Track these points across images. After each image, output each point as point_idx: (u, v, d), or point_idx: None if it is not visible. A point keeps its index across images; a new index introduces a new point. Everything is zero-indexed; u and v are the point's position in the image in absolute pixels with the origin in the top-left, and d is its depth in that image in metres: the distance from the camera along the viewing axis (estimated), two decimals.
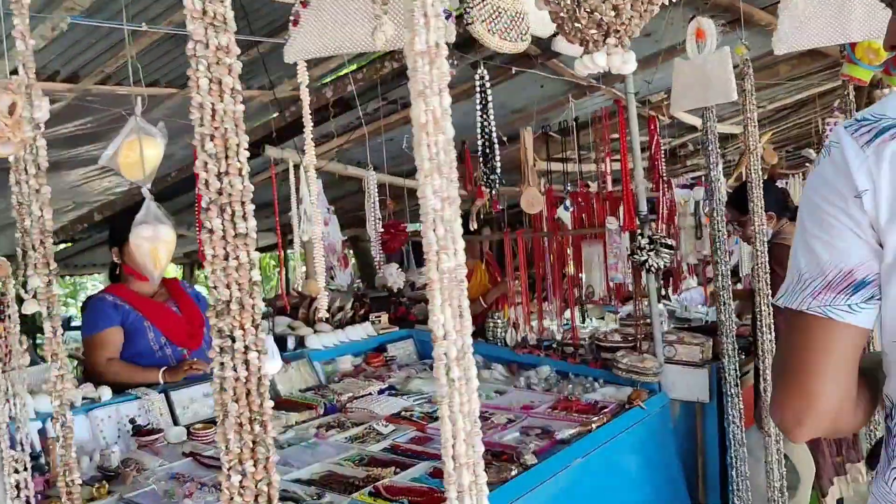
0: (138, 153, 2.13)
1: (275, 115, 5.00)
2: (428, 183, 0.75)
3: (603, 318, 5.28)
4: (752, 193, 3.23)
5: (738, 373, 3.40)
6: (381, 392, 3.68)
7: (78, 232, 6.71)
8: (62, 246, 7.55)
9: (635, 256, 3.67)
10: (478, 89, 2.99)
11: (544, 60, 4.30)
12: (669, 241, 3.68)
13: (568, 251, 4.02)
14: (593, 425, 3.13)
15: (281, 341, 3.94)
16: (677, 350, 3.84)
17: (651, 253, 3.66)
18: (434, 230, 0.74)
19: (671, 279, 5.21)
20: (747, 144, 3.26)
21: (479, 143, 2.94)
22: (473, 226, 3.84)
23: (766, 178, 3.99)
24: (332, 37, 2.31)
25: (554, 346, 4.19)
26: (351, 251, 8.11)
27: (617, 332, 4.04)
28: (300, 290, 4.90)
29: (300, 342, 4.05)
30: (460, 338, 0.82)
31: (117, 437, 2.93)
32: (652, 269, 3.67)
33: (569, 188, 4.06)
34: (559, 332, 4.24)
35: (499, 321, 4.36)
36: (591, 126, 3.95)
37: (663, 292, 5.42)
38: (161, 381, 3.24)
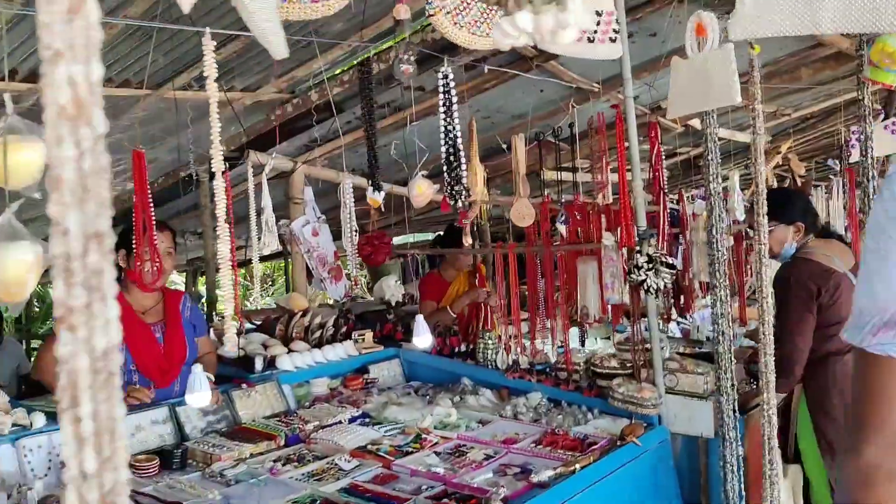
0: (16, 157, 1.87)
1: (261, 118, 4.75)
2: (64, 213, 0.45)
3: (609, 339, 4.94)
4: (758, 207, 2.89)
5: (736, 412, 3.06)
6: (352, 420, 3.39)
7: None
8: None
9: (632, 276, 3.34)
10: (441, 90, 2.70)
11: (541, 62, 4.00)
12: (670, 260, 3.36)
13: (555, 268, 3.71)
14: (577, 465, 2.80)
15: (248, 361, 3.68)
16: (679, 379, 3.50)
17: (650, 272, 3.33)
18: (67, 287, 0.44)
19: (682, 298, 4.86)
20: (754, 154, 2.93)
21: (443, 149, 2.64)
22: (468, 241, 3.55)
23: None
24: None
25: (547, 370, 3.87)
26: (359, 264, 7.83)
27: (615, 358, 3.71)
28: (281, 304, 4.63)
29: (270, 362, 3.77)
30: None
31: (47, 470, 2.67)
32: (651, 289, 3.35)
33: (563, 200, 3.75)
34: (553, 355, 3.92)
35: (490, 342, 4.06)
36: (589, 134, 3.64)
37: (674, 312, 5.07)
38: None
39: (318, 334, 4.12)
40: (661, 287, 3.36)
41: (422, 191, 3.47)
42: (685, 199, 4.65)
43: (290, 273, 8.24)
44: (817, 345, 3.21)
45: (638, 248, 3.39)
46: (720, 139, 6.11)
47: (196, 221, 5.90)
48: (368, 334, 4.24)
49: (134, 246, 2.56)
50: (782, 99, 5.90)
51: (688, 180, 7.41)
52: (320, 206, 6.41)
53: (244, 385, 3.42)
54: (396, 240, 8.08)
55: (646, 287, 3.35)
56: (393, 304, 6.04)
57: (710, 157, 2.91)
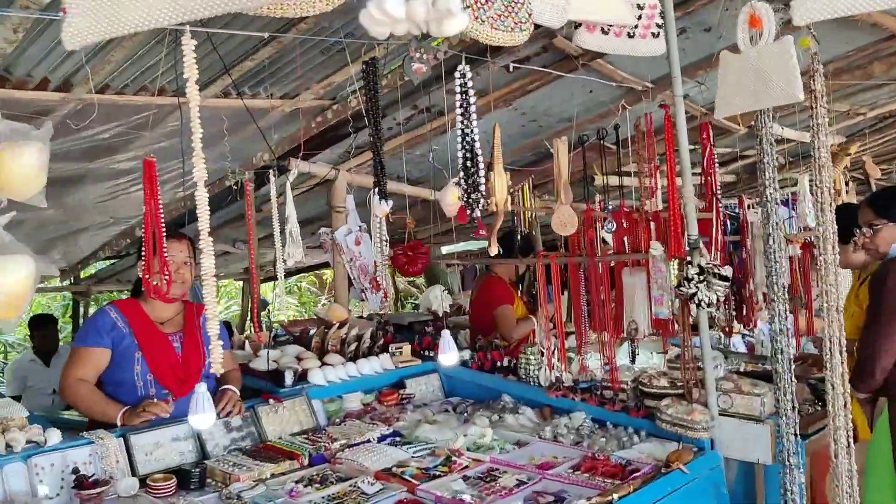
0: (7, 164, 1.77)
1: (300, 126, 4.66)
2: None
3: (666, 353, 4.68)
4: (822, 216, 2.64)
5: (798, 436, 2.79)
6: (382, 438, 3.24)
7: (123, 247, 6.59)
8: (110, 262, 7.48)
9: (682, 289, 3.11)
10: (458, 90, 2.51)
11: (587, 61, 3.79)
12: (723, 271, 3.11)
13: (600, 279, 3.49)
14: (615, 495, 2.59)
15: (278, 375, 3.57)
16: (734, 400, 3.25)
17: (701, 285, 3.10)
18: None
19: (745, 310, 4.56)
20: (815, 157, 2.67)
21: (460, 154, 2.46)
22: (493, 250, 3.36)
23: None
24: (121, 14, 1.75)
25: (593, 388, 3.65)
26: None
27: (664, 376, 3.47)
28: (321, 315, 4.52)
29: (302, 376, 3.66)
30: None
31: (59, 489, 2.60)
32: (702, 303, 3.11)
33: (610, 207, 3.53)
34: (601, 372, 3.70)
35: (532, 357, 3.86)
36: (636, 135, 3.41)
37: (736, 325, 4.77)
38: (119, 423, 2.91)
39: (353, 347, 3.99)
40: (714, 301, 3.12)
41: (455, 199, 3.30)
42: (745, 205, 4.36)
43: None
44: None
45: (688, 258, 3.17)
46: (788, 141, 5.80)
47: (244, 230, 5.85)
48: (406, 347, 4.09)
49: (144, 257, 2.45)
50: (856, 97, 5.52)
51: (753, 186, 7.03)
52: (364, 215, 6.34)
53: (272, 400, 3.31)
54: (445, 249, 7.93)
55: (697, 301, 3.11)
56: (440, 314, 5.90)
57: (765, 161, 2.66)
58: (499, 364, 4.15)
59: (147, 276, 2.45)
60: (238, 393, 3.23)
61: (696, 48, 3.80)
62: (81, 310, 7.81)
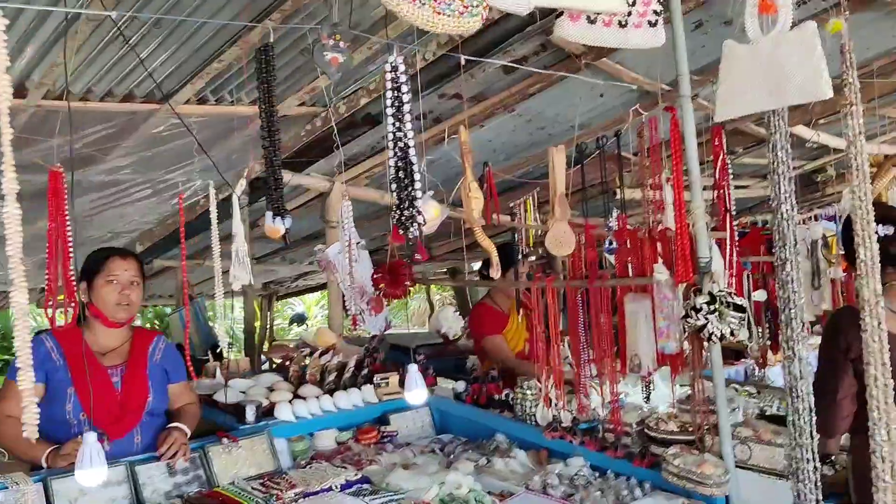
0: None
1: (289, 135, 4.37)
2: None
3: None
4: (861, 234, 2.22)
5: (820, 499, 2.35)
6: (346, 486, 2.90)
7: None
8: None
9: (690, 320, 2.70)
10: (388, 84, 2.15)
11: (591, 60, 3.41)
12: (739, 301, 2.69)
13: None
14: None
15: (239, 410, 3.26)
16: (753, 451, 2.83)
17: (711, 316, 2.69)
18: None
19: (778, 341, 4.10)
20: (852, 165, 2.26)
21: (391, 162, 2.09)
22: (496, 274, 3.02)
23: None
24: None
25: (596, 429, 3.25)
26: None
27: (674, 419, 3.05)
28: (308, 341, 4.21)
29: (268, 411, 3.34)
30: None
31: None
32: (713, 337, 2.69)
33: (612, 224, 3.13)
34: (603, 410, 3.29)
35: (528, 392, 3.47)
36: (639, 143, 3.01)
37: (770, 356, 4.32)
38: (44, 465, 2.62)
39: (332, 377, 3.65)
40: (728, 334, 2.70)
41: (437, 214, 2.96)
42: None
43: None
44: None
45: (698, 284, 2.76)
46: (835, 151, 5.29)
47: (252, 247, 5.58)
48: (393, 378, 3.74)
49: (47, 278, 2.15)
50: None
51: (808, 199, 6.55)
52: (365, 233, 6.02)
53: (226, 439, 2.99)
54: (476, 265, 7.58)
55: (706, 334, 2.70)
56: (451, 337, 5.54)
57: (779, 172, 2.24)
58: (497, 398, 3.78)
59: (48, 302, 2.15)
60: (187, 432, 2.93)
61: (715, 44, 3.39)
62: None
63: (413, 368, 2.89)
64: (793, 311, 2.22)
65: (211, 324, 6.69)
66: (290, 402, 3.39)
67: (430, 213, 2.97)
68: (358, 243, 4.63)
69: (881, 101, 4.74)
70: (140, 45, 3.21)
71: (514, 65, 3.44)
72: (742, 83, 2.25)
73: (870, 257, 2.25)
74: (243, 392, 3.53)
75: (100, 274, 2.87)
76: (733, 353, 4.65)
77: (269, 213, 2.49)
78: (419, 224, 2.04)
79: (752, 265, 4.43)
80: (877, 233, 2.49)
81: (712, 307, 2.70)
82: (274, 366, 4.07)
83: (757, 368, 4.45)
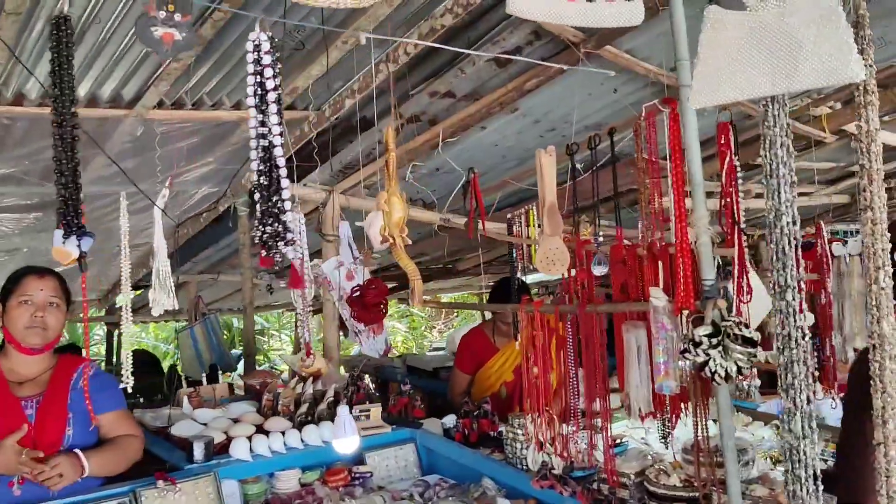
0: None
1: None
2: None
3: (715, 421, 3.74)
4: (874, 243, 1.77)
5: None
6: None
7: (141, 277, 6.25)
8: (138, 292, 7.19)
9: (688, 355, 2.25)
10: (250, 68, 1.76)
11: (592, 49, 2.99)
12: (749, 333, 2.23)
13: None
14: None
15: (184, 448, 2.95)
16: None
17: (715, 350, 2.24)
18: None
19: (827, 371, 3.57)
20: (864, 163, 1.81)
21: (253, 164, 1.71)
22: (415, 302, 2.67)
23: None
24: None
25: (590, 478, 2.82)
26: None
27: (679, 470, 2.60)
28: (289, 363, 3.89)
29: (222, 448, 3.02)
30: None
31: None
32: (717, 375, 2.24)
33: (601, 239, 2.69)
34: (602, 455, 2.85)
35: (519, 432, 3.06)
36: (635, 142, 2.58)
37: (817, 391, 3.77)
38: None
39: (304, 408, 3.31)
40: (735, 373, 2.25)
41: (383, 233, 2.61)
42: (825, 234, 3.40)
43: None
44: None
45: (701, 311, 2.32)
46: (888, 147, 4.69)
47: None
48: (375, 410, 3.38)
49: None
50: None
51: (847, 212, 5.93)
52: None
53: (162, 481, 2.68)
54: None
55: (709, 372, 2.25)
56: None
57: (779, 174, 1.79)
58: (492, 435, 3.39)
59: None
60: (83, 463, 2.55)
61: None
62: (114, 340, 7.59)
63: (343, 412, 2.53)
64: (794, 351, 1.76)
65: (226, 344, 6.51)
66: (249, 437, 3.06)
67: (375, 230, 2.64)
68: (356, 258, 4.32)
69: None
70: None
71: (505, 55, 3.06)
72: (731, 61, 1.81)
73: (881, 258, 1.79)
74: (205, 424, 3.23)
75: (13, 294, 2.62)
76: (774, 383, 4.11)
77: (57, 232, 2.12)
78: (287, 242, 1.67)
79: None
80: None
81: (715, 340, 2.25)
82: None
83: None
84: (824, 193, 5.71)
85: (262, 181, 1.67)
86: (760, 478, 2.59)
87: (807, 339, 1.78)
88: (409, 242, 2.51)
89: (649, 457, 2.80)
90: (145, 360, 6.35)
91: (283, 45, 3.33)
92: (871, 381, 2.00)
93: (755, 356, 2.28)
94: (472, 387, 4.31)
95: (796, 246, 1.81)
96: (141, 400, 4.81)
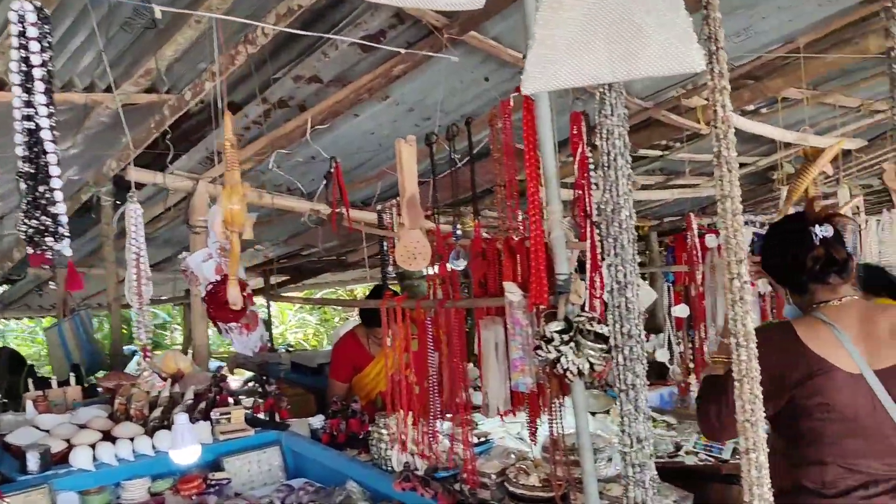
0: None
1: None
2: None
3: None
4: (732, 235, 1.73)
5: None
6: None
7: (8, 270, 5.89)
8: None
9: (541, 352, 2.20)
10: (14, 42, 1.60)
11: (455, 35, 2.91)
12: (601, 329, 2.19)
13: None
14: None
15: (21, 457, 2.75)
16: None
17: (566, 346, 2.20)
18: None
19: (699, 363, 3.61)
20: (720, 157, 1.77)
21: (18, 149, 1.56)
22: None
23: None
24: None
25: (453, 479, 2.76)
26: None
27: (539, 469, 2.56)
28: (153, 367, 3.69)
29: (62, 457, 2.83)
30: None
31: None
32: (569, 373, 2.19)
33: (459, 232, 2.63)
34: (467, 454, 2.79)
35: (384, 432, 2.97)
36: (491, 134, 2.52)
37: (693, 380, 3.82)
38: None
39: (158, 412, 3.14)
40: (587, 370, 2.21)
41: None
42: (694, 226, 3.41)
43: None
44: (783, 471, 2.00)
45: (554, 306, 2.27)
46: (787, 145, 4.79)
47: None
48: (237, 413, 3.24)
49: None
50: (873, 88, 4.50)
51: (753, 201, 6.06)
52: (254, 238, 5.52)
53: None
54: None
55: (562, 369, 2.20)
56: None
57: (617, 164, 1.74)
58: (361, 435, 3.29)
59: None
60: None
61: None
62: None
63: (182, 420, 2.38)
64: (633, 349, 1.71)
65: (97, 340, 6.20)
66: (92, 445, 2.87)
67: (219, 223, 2.50)
68: (226, 251, 4.13)
69: (830, 85, 4.28)
70: None
71: (369, 43, 2.94)
72: (570, 44, 1.74)
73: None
74: (47, 431, 3.02)
75: None
76: (656, 374, 4.15)
77: None
78: (58, 238, 1.52)
79: (676, 276, 3.95)
80: (816, 234, 2.08)
81: (567, 337, 2.20)
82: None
83: (680, 394, 3.96)
84: (708, 185, 5.82)
85: (27, 169, 1.51)
86: (619, 475, 2.56)
87: (642, 335, 1.73)
88: (250, 237, 2.38)
89: (512, 455, 2.75)
90: (13, 358, 6.00)
91: (133, 22, 3.15)
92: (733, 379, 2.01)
93: (608, 352, 2.25)
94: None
95: (635, 240, 1.77)
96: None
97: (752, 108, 4.34)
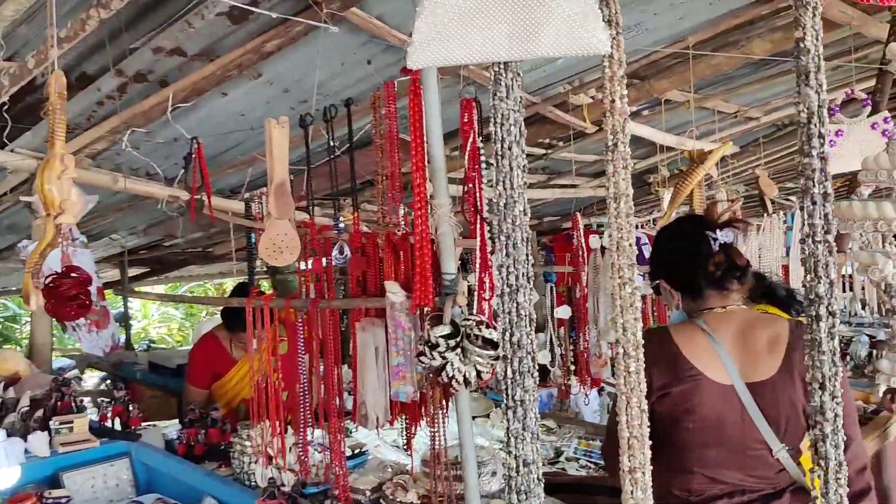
0: None
1: None
2: None
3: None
4: (621, 238, 1.60)
5: None
6: None
7: None
8: None
9: (424, 358, 2.01)
10: None
11: (336, 10, 2.67)
12: (490, 334, 2.03)
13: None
14: None
15: None
16: None
17: (452, 353, 2.03)
18: None
19: (581, 365, 3.53)
20: (615, 152, 1.62)
21: None
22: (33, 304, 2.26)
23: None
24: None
25: (324, 495, 2.53)
26: None
27: (418, 484, 2.37)
28: None
29: None
30: None
31: None
32: (454, 380, 2.02)
33: (341, 225, 2.41)
34: (338, 469, 2.57)
35: (247, 444, 2.71)
36: (374, 120, 2.32)
37: (574, 382, 3.74)
38: None
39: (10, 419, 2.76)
40: (474, 378, 2.04)
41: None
42: (580, 226, 3.33)
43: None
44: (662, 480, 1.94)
45: (439, 309, 2.10)
46: (668, 148, 4.81)
47: None
48: (80, 422, 2.89)
49: None
50: (742, 94, 4.58)
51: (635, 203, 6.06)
52: (109, 226, 5.10)
53: None
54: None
55: (447, 377, 2.02)
56: None
57: (513, 153, 1.57)
58: (223, 446, 3.00)
59: None
60: None
61: None
62: None
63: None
64: (523, 361, 1.55)
65: None
66: None
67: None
68: (75, 240, 3.74)
69: (710, 90, 4.30)
70: None
71: (235, 2, 2.66)
72: (464, 15, 1.55)
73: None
74: None
75: None
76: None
77: None
78: None
79: (558, 277, 3.87)
80: (715, 240, 2.02)
81: (454, 342, 2.03)
82: None
83: (559, 397, 3.88)
84: (588, 186, 5.81)
85: None
86: (503, 490, 2.42)
87: (534, 345, 1.57)
88: (71, 221, 2.07)
89: (389, 468, 2.55)
90: None
91: None
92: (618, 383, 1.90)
93: (497, 359, 2.09)
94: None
95: (529, 239, 1.60)
96: None
97: (634, 108, 4.32)
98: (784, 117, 5.39)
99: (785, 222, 3.92)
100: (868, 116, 3.12)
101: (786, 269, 3.70)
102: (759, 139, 5.69)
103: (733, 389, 1.93)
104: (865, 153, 2.37)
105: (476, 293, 2.13)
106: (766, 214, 4.05)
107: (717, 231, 2.01)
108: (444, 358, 2.01)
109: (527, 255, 1.56)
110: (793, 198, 6.60)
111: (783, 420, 1.91)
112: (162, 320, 16.15)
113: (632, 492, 1.57)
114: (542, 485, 1.53)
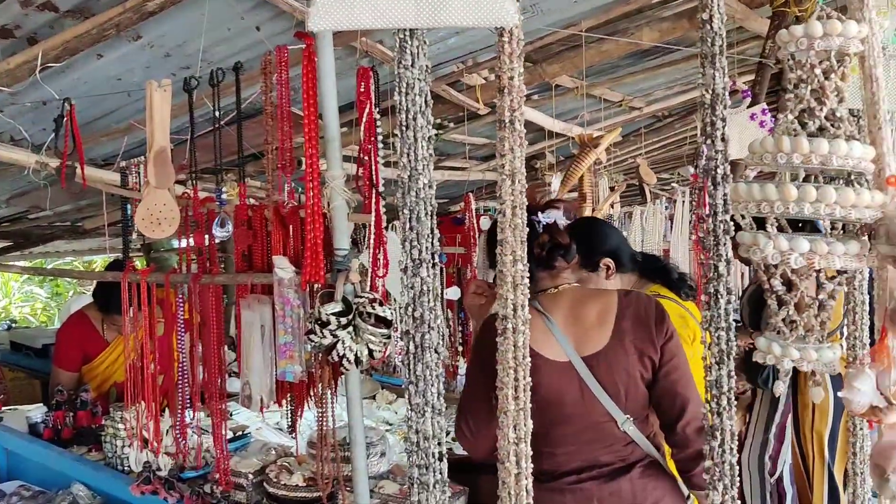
0: None
1: None
2: None
3: None
4: (512, 218, 1.57)
5: None
6: None
7: None
8: None
9: (314, 337, 1.93)
10: None
11: None
12: (383, 311, 1.98)
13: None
14: None
15: None
16: None
17: (344, 331, 1.96)
18: None
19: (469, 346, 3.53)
20: (513, 130, 1.60)
21: None
22: None
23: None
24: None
25: (203, 479, 2.42)
26: None
27: (303, 467, 2.30)
28: None
29: None
30: None
31: None
32: (345, 360, 1.95)
33: (223, 195, 2.29)
34: (218, 452, 2.45)
35: (120, 427, 2.56)
36: (264, 87, 2.21)
37: (462, 363, 3.73)
38: None
39: None
40: (364, 356, 1.98)
41: None
42: (473, 207, 3.31)
43: None
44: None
45: (330, 285, 2.02)
46: (556, 135, 4.86)
47: None
48: None
49: None
50: (627, 84, 4.67)
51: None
52: None
53: None
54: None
55: (337, 356, 1.95)
56: None
57: (417, 125, 1.51)
58: (94, 429, 2.83)
59: None
60: None
61: None
62: None
63: None
64: (427, 336, 1.50)
65: None
66: None
67: None
68: None
69: (597, 78, 4.37)
70: None
71: None
72: None
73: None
74: None
75: None
76: None
77: None
78: None
79: (448, 257, 3.85)
80: (539, 222, 2.05)
81: (345, 320, 1.96)
82: None
83: (447, 377, 3.87)
84: (478, 169, 5.82)
85: None
86: (392, 471, 2.37)
87: (440, 321, 1.53)
88: None
89: (273, 451, 2.46)
90: None
91: None
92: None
93: (389, 337, 2.04)
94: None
95: (433, 213, 1.56)
96: None
97: (525, 92, 4.33)
98: (663, 109, 5.55)
99: (667, 208, 4.04)
100: (748, 108, 3.24)
101: (666, 252, 3.81)
102: (641, 129, 5.84)
103: (571, 365, 1.97)
104: (744, 142, 2.45)
105: (370, 270, 2.07)
106: (645, 202, 4.16)
107: (539, 213, 2.04)
108: (335, 336, 1.94)
109: (431, 229, 1.51)
110: (675, 184, 6.84)
111: (622, 389, 1.95)
112: (24, 299, 15.21)
113: (517, 462, 1.55)
114: (445, 461, 1.49)
